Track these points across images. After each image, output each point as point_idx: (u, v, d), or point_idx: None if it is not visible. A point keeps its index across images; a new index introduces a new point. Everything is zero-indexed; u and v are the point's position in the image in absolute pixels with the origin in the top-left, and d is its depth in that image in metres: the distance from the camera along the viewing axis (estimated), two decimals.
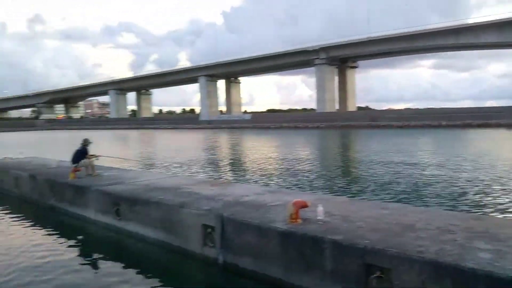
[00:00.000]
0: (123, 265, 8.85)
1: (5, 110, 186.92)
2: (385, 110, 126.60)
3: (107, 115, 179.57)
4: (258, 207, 8.79)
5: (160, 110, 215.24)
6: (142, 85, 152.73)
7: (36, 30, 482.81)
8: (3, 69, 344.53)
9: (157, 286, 7.71)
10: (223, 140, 57.27)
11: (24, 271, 8.39)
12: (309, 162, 26.41)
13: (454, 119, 75.87)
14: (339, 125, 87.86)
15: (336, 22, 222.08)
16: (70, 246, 10.17)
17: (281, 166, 24.06)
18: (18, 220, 12.89)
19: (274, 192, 10.94)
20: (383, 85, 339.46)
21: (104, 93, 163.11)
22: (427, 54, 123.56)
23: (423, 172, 19.96)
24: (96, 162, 15.14)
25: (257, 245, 7.51)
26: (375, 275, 5.72)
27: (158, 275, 8.22)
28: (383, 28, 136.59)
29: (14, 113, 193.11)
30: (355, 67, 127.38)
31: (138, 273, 8.35)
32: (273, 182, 18.46)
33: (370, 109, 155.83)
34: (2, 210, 14.48)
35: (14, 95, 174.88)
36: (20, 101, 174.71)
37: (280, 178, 19.46)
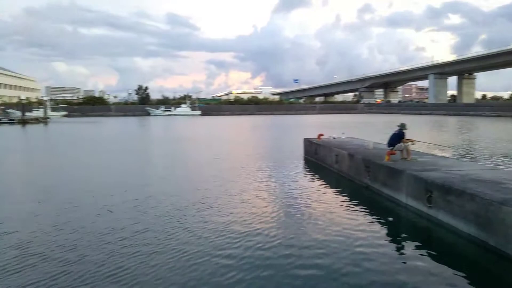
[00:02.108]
0: (430, 253, 8.59)
1: (333, 94, 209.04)
2: None
3: (425, 100, 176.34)
4: None
5: (484, 96, 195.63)
6: (465, 68, 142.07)
7: (365, 19, 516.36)
8: (335, 57, 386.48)
9: (467, 285, 7.04)
10: None
11: (331, 236, 9.18)
12: None
13: None
14: None
15: None
16: (379, 224, 10.52)
17: None
18: (336, 194, 14.27)
19: None
20: None
21: (423, 77, 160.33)
22: None
23: None
24: (412, 147, 15.01)
25: None
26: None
27: (467, 272, 7.60)
28: None
29: (339, 97, 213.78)
30: None
31: (445, 264, 7.95)
32: None
33: None
34: (324, 182, 16.33)
35: (341, 81, 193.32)
36: (345, 86, 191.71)
37: None
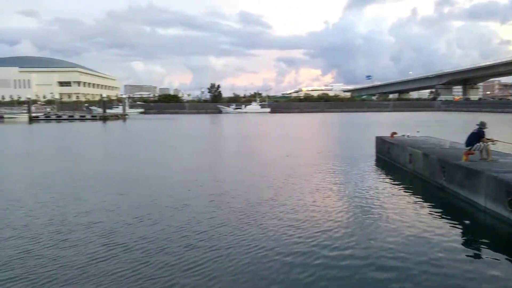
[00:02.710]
0: (511, 261, 8.13)
1: (407, 91, 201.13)
2: None
3: (509, 98, 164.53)
4: None
5: None
6: None
7: (443, 12, 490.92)
8: (410, 52, 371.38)
9: None
10: None
11: (404, 238, 9.05)
12: None
13: None
14: None
15: None
16: (455, 228, 10.18)
17: None
18: (409, 194, 13.94)
19: None
20: None
21: (508, 73, 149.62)
22: None
23: None
24: (492, 147, 14.27)
25: None
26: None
27: None
28: None
29: (414, 94, 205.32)
30: None
31: None
32: None
33: None
34: (396, 182, 16.02)
35: (416, 77, 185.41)
36: (421, 82, 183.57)
37: None
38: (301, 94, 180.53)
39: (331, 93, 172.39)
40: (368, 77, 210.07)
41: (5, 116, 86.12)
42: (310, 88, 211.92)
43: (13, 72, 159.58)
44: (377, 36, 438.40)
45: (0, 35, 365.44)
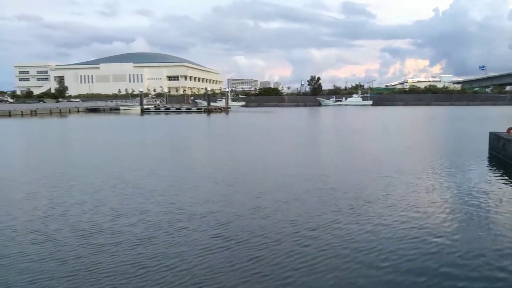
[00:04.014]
0: None
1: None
2: None
3: None
4: None
5: None
6: None
7: None
8: None
9: None
10: None
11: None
12: None
13: None
14: None
15: None
16: None
17: None
18: None
19: None
20: None
21: None
22: None
23: None
24: None
25: None
26: None
27: None
28: None
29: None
30: None
31: None
32: None
33: None
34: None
35: None
36: None
37: None
38: (406, 86, 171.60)
39: (439, 85, 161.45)
40: (482, 67, 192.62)
41: (121, 108, 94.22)
42: (416, 80, 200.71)
43: (128, 67, 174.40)
44: (494, 22, 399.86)
45: (118, 34, 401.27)
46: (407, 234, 9.12)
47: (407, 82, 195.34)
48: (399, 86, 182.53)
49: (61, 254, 8.20)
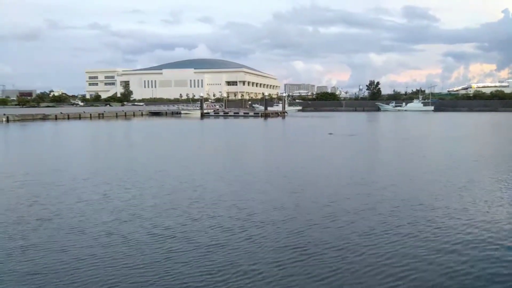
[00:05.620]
0: None
1: None
2: None
3: None
4: None
5: None
6: None
7: None
8: None
9: None
10: None
11: None
12: None
13: None
14: None
15: None
16: None
17: None
18: None
19: None
20: None
21: None
22: None
23: None
24: None
25: None
26: None
27: None
28: None
29: None
30: None
31: None
32: None
33: None
34: None
35: None
36: None
37: None
38: (470, 91, 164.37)
39: (507, 90, 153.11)
40: None
41: (182, 112, 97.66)
42: (481, 85, 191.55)
43: (189, 73, 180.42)
44: None
45: (181, 41, 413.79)
46: (493, 255, 8.69)
47: (470, 87, 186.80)
48: (462, 92, 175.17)
49: (132, 259, 8.35)
